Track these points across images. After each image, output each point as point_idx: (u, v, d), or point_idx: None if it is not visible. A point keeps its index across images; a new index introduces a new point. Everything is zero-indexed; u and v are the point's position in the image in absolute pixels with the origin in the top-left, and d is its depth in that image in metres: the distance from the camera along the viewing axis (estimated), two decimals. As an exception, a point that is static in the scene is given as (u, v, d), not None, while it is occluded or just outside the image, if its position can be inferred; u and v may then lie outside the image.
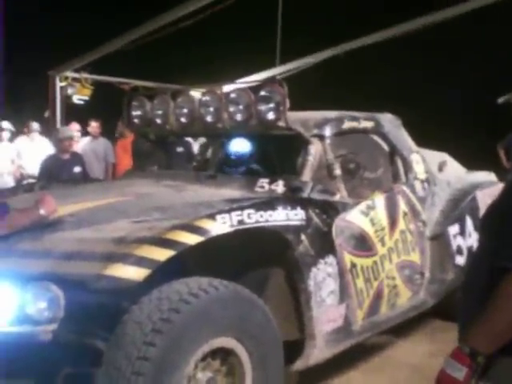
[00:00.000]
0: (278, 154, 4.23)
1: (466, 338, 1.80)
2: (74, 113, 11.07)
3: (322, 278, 3.58)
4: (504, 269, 1.72)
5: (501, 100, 2.07)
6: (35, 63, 11.86)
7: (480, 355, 1.76)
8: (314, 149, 4.05)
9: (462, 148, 6.89)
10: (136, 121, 5.03)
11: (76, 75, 11.13)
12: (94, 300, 2.72)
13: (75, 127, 9.32)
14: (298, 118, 4.20)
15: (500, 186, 1.99)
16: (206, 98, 4.44)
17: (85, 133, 9.48)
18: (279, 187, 3.89)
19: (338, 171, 4.05)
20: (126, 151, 8.55)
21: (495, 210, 1.92)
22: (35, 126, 9.21)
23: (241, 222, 3.21)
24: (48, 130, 10.01)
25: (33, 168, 7.73)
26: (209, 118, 4.42)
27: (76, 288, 2.72)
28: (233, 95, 4.25)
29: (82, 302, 2.71)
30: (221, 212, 3.20)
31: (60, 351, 2.78)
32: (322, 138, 4.11)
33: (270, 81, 4.72)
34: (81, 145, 9.05)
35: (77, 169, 7.00)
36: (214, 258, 3.29)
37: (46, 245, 3.08)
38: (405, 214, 4.46)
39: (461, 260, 4.76)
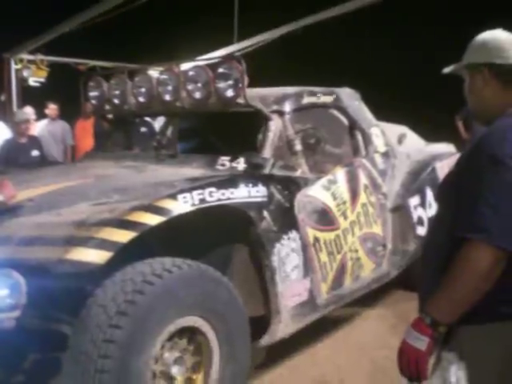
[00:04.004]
0: (238, 131, 4.20)
1: (427, 309, 1.80)
2: (31, 95, 10.84)
3: (286, 253, 3.61)
4: (463, 238, 1.73)
5: (446, 70, 2.07)
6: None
7: (441, 325, 1.77)
8: (274, 125, 4.04)
9: (421, 121, 6.97)
10: (93, 101, 4.97)
11: (31, 57, 10.87)
12: (56, 285, 2.69)
13: (30, 111, 9.14)
14: (257, 95, 4.18)
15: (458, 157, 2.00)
16: (164, 76, 4.39)
17: (42, 115, 9.30)
18: (240, 164, 3.88)
19: (298, 147, 4.05)
20: (86, 132, 8.43)
21: (451, 181, 1.94)
22: None
23: (203, 201, 3.21)
24: (4, 114, 9.79)
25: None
26: (167, 97, 4.37)
27: (38, 273, 2.69)
28: (191, 73, 4.20)
29: (45, 288, 2.68)
30: (182, 191, 3.19)
31: (25, 337, 2.77)
32: (281, 113, 4.10)
33: (228, 58, 4.69)
34: (38, 127, 8.89)
35: (35, 152, 6.91)
36: (177, 237, 3.28)
37: (6, 231, 3.04)
38: (366, 187, 4.50)
39: (422, 231, 4.83)
